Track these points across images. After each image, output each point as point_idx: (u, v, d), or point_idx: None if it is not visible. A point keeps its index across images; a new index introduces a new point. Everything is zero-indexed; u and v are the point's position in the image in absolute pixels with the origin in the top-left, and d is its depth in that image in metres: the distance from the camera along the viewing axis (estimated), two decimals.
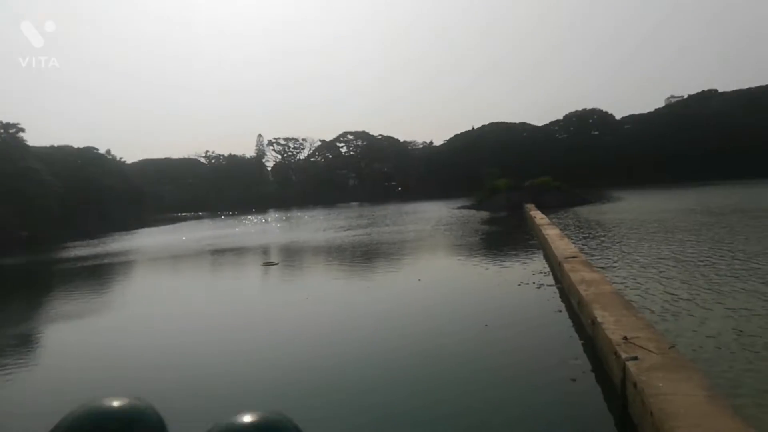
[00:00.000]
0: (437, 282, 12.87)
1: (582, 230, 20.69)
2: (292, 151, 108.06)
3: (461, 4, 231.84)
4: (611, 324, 6.05)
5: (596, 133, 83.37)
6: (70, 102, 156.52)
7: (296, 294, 12.93)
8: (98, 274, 19.42)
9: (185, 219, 63.61)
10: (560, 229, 17.79)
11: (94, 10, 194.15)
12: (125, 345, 9.10)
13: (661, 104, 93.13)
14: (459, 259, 16.65)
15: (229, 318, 10.58)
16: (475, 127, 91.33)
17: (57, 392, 6.88)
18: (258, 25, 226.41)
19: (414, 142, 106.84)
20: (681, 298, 8.76)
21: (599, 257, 13.58)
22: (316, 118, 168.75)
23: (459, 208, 42.24)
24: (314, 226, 36.24)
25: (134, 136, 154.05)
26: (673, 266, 11.64)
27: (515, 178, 42.46)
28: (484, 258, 16.36)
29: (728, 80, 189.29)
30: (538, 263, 13.71)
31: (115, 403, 0.88)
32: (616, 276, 10.87)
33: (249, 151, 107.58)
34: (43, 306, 13.92)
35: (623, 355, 4.99)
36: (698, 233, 17.07)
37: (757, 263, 11.24)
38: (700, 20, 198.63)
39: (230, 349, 8.20)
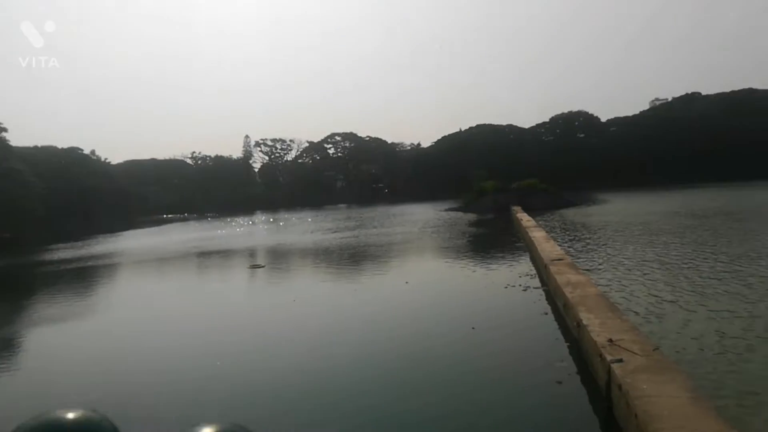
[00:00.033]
0: (424, 284, 12.88)
1: (568, 232, 20.87)
2: (279, 153, 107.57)
3: (449, 7, 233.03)
4: (596, 326, 6.10)
5: (582, 135, 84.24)
6: (54, 101, 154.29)
7: (283, 297, 12.84)
8: (82, 276, 19.12)
9: (171, 221, 63.03)
10: (546, 232, 17.92)
11: (81, 9, 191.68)
12: (105, 349, 8.94)
13: (646, 107, 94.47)
14: (446, 262, 16.68)
15: (215, 321, 10.47)
16: (463, 129, 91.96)
17: (31, 397, 6.76)
18: (255, 26, 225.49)
19: (402, 143, 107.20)
20: (665, 301, 8.87)
21: (585, 259, 13.71)
22: (304, 120, 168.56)
23: (446, 210, 42.38)
24: (301, 228, 36.12)
25: (119, 136, 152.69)
26: (658, 269, 11.78)
27: (502, 180, 42.72)
28: (471, 260, 16.42)
29: (711, 83, 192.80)
30: (524, 265, 13.79)
31: (69, 415, 0.85)
32: (602, 278, 10.97)
33: (236, 152, 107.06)
34: (25, 309, 13.67)
35: (608, 358, 5.04)
36: (682, 236, 17.30)
37: (740, 266, 11.43)
38: (684, 24, 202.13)
39: (215, 351, 8.11)
